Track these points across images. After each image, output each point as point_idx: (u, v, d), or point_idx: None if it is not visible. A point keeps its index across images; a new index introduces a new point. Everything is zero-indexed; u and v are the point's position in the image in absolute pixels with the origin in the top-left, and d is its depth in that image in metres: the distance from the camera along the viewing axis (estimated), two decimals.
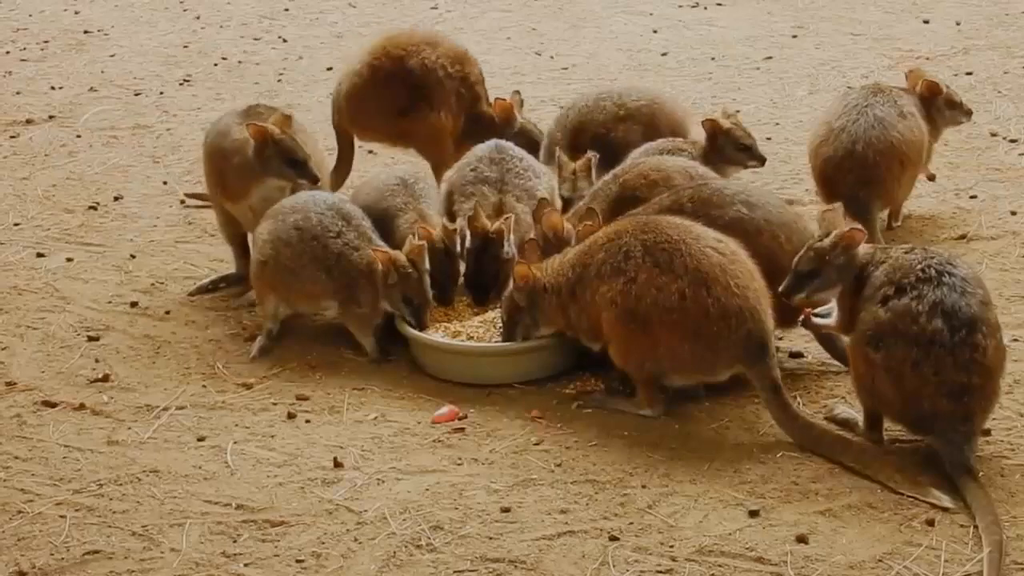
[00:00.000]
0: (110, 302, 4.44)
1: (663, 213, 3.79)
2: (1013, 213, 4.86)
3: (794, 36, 7.06)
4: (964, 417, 3.29)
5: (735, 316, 3.49)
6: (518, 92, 5.10)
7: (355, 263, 3.97)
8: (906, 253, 3.43)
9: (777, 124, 5.84)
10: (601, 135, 4.67)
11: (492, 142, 4.45)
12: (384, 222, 4.20)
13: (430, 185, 4.41)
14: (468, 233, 4.09)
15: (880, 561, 3.05)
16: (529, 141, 4.85)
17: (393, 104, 4.89)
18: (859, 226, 3.52)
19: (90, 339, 4.19)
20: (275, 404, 3.81)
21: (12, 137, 5.95)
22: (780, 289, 3.56)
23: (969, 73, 6.32)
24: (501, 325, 3.90)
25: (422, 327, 3.91)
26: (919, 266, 3.35)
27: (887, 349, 3.31)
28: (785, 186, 5.21)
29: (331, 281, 4.00)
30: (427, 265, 3.96)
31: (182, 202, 5.19)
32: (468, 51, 5.05)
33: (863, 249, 3.48)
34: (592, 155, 4.47)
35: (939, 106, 4.82)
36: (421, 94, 4.90)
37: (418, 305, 3.92)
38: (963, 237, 4.69)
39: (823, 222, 3.57)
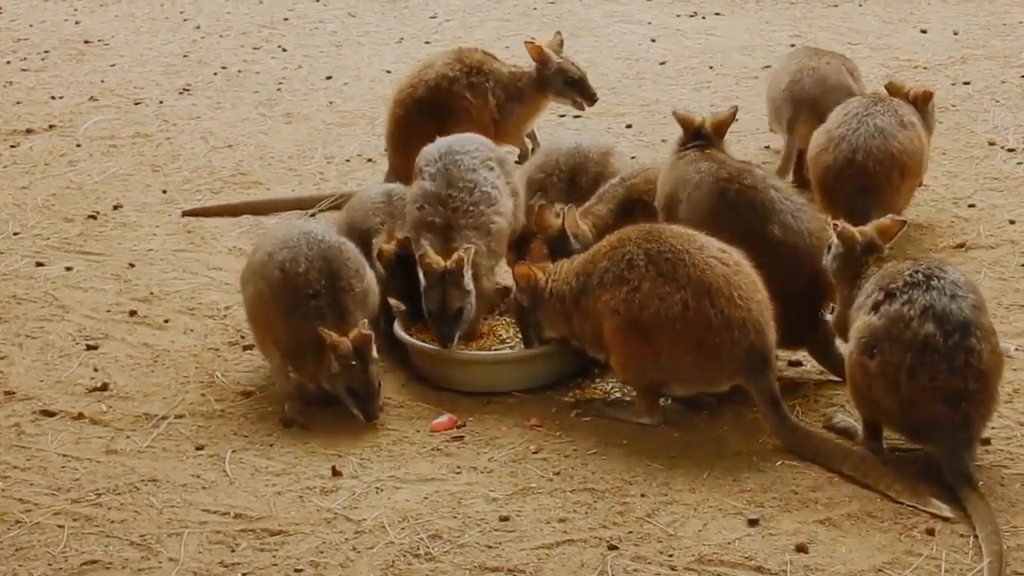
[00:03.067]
0: (109, 311, 4.44)
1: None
2: (1011, 222, 4.87)
3: (792, 45, 7.06)
4: (962, 424, 3.28)
5: (738, 328, 3.48)
6: (559, 32, 5.35)
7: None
8: (897, 264, 3.47)
9: (776, 133, 5.84)
10: (599, 173, 4.51)
11: (442, 170, 4.03)
12: (364, 242, 4.17)
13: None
14: (423, 274, 3.85)
15: (880, 571, 3.04)
16: (567, 79, 5.10)
17: (429, 136, 4.97)
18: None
19: (89, 348, 4.19)
20: (273, 413, 3.80)
21: (12, 146, 5.96)
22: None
23: (967, 82, 6.33)
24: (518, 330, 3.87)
25: (370, 418, 3.64)
26: (907, 272, 3.38)
27: (882, 356, 3.31)
28: None
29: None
30: (375, 353, 3.64)
31: (183, 214, 5.20)
32: (460, 47, 5.24)
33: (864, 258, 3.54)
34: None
35: (931, 110, 4.87)
36: (443, 111, 5.00)
37: (364, 396, 3.64)
38: (962, 246, 4.69)
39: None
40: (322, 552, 3.16)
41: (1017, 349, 3.94)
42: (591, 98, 5.17)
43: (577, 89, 5.15)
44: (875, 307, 3.36)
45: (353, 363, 3.62)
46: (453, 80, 5.05)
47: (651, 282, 3.51)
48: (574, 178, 4.38)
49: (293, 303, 3.71)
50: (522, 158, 5.38)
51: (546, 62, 5.13)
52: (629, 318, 3.53)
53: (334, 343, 3.63)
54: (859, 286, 3.49)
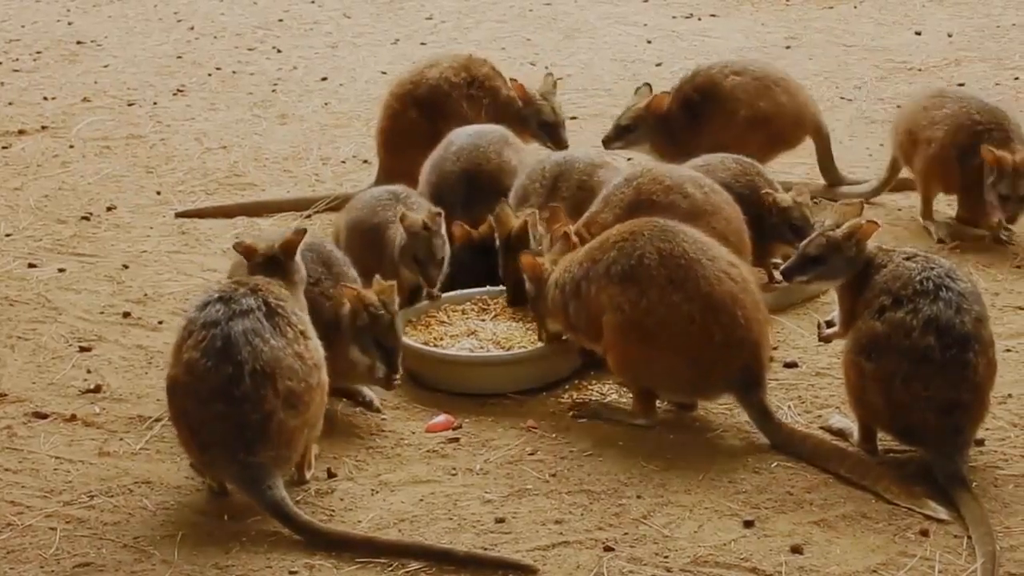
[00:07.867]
0: (102, 312, 4.43)
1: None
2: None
3: (787, 47, 7.08)
4: (954, 430, 3.30)
5: (736, 347, 3.48)
6: (551, 73, 5.29)
7: (324, 314, 3.64)
8: (907, 259, 3.41)
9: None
10: (583, 181, 4.47)
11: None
12: (376, 236, 4.19)
13: (423, 200, 4.40)
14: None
15: (874, 572, 3.04)
16: (541, 121, 5.06)
17: (421, 135, 4.93)
18: (875, 219, 3.49)
19: (82, 350, 4.17)
20: None
21: (4, 148, 5.93)
22: (781, 269, 3.57)
23: (961, 84, 6.34)
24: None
25: (395, 370, 3.62)
26: (918, 277, 3.34)
27: (879, 360, 3.32)
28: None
29: None
30: (397, 305, 3.67)
31: (177, 215, 5.19)
32: (471, 54, 5.19)
33: (870, 246, 3.46)
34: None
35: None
36: (438, 113, 4.98)
37: (390, 349, 3.62)
38: (956, 248, 4.70)
39: (837, 213, 3.55)
40: (316, 555, 3.15)
41: (1008, 350, 3.95)
42: (560, 145, 5.11)
43: (548, 133, 5.11)
44: (880, 311, 3.34)
45: (382, 312, 3.60)
46: (454, 85, 5.06)
47: (660, 288, 3.47)
48: (556, 185, 4.39)
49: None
50: None
51: (528, 102, 5.12)
52: (633, 320, 3.51)
53: (361, 295, 3.62)
54: (866, 275, 3.38)
